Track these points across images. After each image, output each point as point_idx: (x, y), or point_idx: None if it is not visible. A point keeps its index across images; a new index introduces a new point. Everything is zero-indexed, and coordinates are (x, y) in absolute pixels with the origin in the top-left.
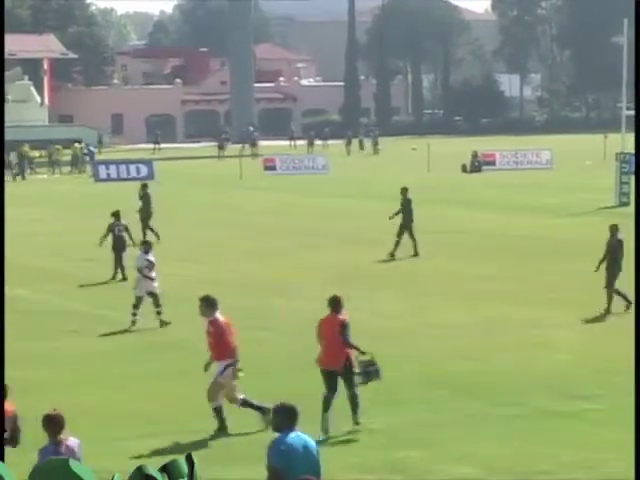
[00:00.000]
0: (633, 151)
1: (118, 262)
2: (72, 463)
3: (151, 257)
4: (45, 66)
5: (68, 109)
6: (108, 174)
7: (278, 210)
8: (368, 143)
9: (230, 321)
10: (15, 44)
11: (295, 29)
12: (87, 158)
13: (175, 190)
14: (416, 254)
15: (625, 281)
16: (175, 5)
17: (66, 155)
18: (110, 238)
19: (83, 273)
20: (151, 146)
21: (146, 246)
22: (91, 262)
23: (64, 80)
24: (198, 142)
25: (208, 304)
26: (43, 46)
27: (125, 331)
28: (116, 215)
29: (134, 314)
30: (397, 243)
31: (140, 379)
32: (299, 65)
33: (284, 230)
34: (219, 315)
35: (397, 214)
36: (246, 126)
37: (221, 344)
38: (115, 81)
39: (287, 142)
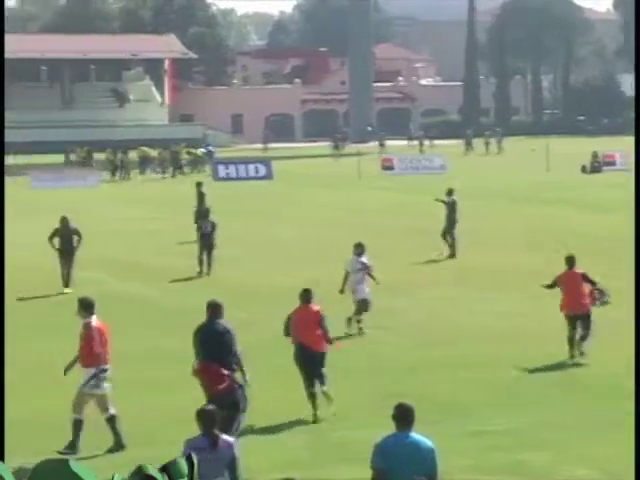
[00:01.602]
0: None
1: (206, 257)
2: (72, 463)
3: (364, 259)
4: (166, 66)
5: (188, 109)
6: (227, 173)
7: (395, 210)
8: (492, 143)
9: (105, 327)
10: (137, 45)
11: (416, 29)
12: (207, 158)
13: (293, 190)
14: (453, 255)
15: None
16: (295, 5)
17: (186, 155)
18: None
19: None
20: (271, 146)
21: (359, 248)
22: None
23: (185, 80)
24: (317, 142)
25: (83, 306)
26: (164, 46)
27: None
28: (206, 212)
29: (358, 321)
30: (447, 243)
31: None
32: (418, 65)
33: (401, 230)
34: (94, 319)
35: (451, 213)
36: (365, 126)
37: (88, 350)
38: (235, 81)
39: (405, 142)
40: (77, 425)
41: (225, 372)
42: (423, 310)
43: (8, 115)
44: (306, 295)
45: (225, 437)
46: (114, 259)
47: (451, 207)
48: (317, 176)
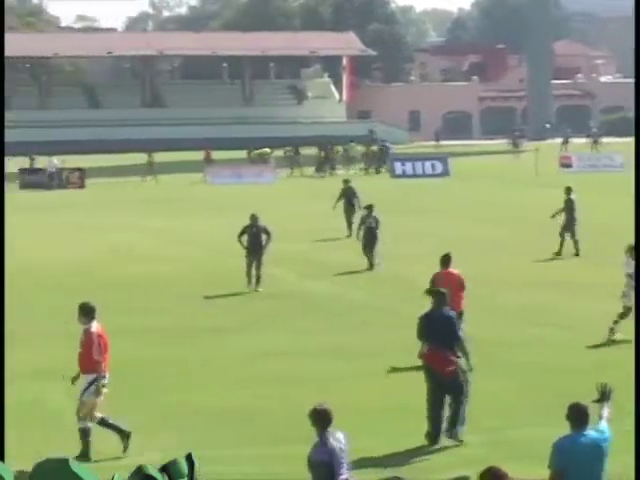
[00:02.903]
0: None
1: (368, 252)
2: (72, 463)
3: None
4: (344, 63)
5: (366, 106)
6: (404, 170)
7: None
8: None
9: (105, 333)
10: (316, 42)
11: (595, 25)
12: (383, 154)
13: (469, 187)
14: (577, 254)
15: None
16: (473, 2)
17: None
18: (362, 230)
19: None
20: (447, 143)
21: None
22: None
23: (363, 77)
24: (494, 139)
25: (83, 311)
26: (343, 44)
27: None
28: (369, 208)
29: (615, 322)
30: (562, 243)
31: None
32: (598, 61)
33: (585, 228)
34: (95, 325)
35: (560, 213)
36: (543, 123)
37: (86, 356)
38: (413, 78)
39: (584, 140)
40: (85, 433)
41: (452, 357)
42: (595, 309)
43: (191, 112)
44: (446, 260)
45: (337, 434)
46: (294, 255)
47: (570, 205)
48: (494, 173)
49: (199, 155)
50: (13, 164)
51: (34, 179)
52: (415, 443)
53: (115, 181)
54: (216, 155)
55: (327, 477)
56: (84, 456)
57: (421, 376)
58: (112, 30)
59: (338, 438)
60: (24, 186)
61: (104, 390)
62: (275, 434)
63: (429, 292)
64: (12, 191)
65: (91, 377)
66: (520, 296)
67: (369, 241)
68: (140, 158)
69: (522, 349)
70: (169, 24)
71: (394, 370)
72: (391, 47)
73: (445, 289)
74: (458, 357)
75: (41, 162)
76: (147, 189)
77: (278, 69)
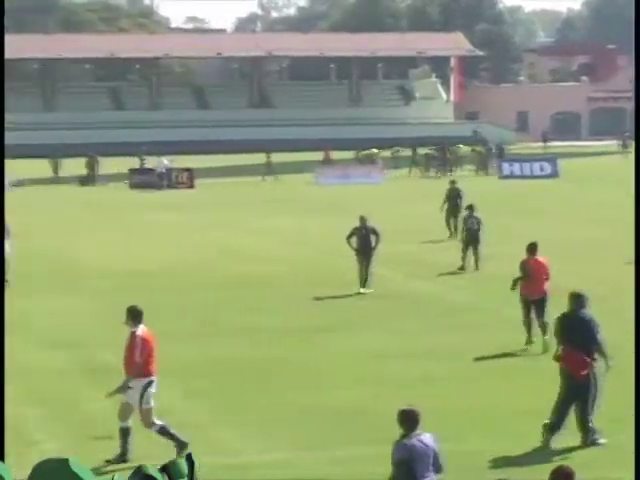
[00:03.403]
0: None
1: (471, 253)
2: (72, 463)
3: None
4: (452, 64)
5: (474, 106)
6: (511, 171)
7: None
8: None
9: (152, 337)
10: (424, 42)
11: None
12: (492, 155)
13: (577, 188)
14: None
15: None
16: (583, 2)
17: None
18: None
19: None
20: (555, 144)
21: None
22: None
23: (470, 77)
24: (602, 140)
25: (130, 315)
26: (452, 44)
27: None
28: (471, 208)
29: None
30: None
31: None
32: None
33: None
34: (141, 328)
35: None
36: None
37: (130, 360)
38: (521, 78)
39: None
40: (124, 433)
41: (587, 360)
42: None
43: (299, 112)
44: (532, 248)
45: (425, 437)
46: (402, 256)
47: None
48: (603, 174)
49: (308, 156)
50: (123, 164)
51: (144, 179)
52: (527, 445)
53: (224, 181)
54: (323, 156)
55: (408, 475)
56: (122, 456)
57: (527, 377)
58: (221, 31)
59: (423, 439)
60: (134, 186)
61: (152, 397)
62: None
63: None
64: (122, 190)
65: (143, 382)
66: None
67: (470, 242)
68: (248, 158)
69: None
70: (277, 25)
71: (499, 371)
72: (499, 47)
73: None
74: (594, 360)
75: (150, 162)
76: (257, 189)
77: (386, 70)
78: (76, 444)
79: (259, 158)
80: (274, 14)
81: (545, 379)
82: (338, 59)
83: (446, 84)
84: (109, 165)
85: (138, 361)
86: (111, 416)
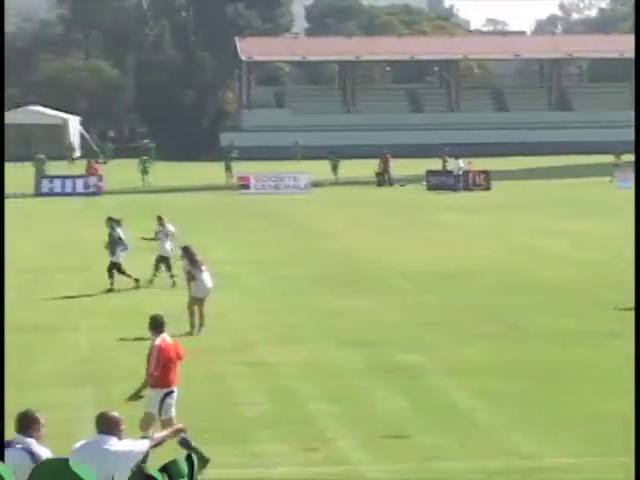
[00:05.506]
0: None
1: None
2: (72, 463)
3: None
4: None
5: None
6: None
7: None
8: None
9: (169, 347)
10: None
11: None
12: None
13: None
14: None
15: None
16: None
17: None
18: None
19: None
20: None
21: None
22: None
23: None
24: None
25: (151, 324)
26: None
27: None
28: None
29: None
30: None
31: None
32: None
33: None
34: (161, 338)
35: None
36: None
37: (149, 370)
38: None
39: None
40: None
41: None
42: None
43: (597, 115)
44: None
45: None
46: None
47: None
48: None
49: (607, 158)
50: (423, 165)
51: (441, 180)
52: None
53: (521, 183)
54: (611, 159)
55: None
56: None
57: None
58: (520, 33)
59: None
60: (431, 187)
61: (173, 409)
62: None
63: None
64: (419, 192)
65: (161, 393)
66: None
67: None
68: (545, 161)
69: None
70: (578, 26)
71: None
72: None
73: None
74: None
75: (450, 164)
76: (555, 192)
77: None
78: (367, 442)
79: (555, 160)
80: (575, 16)
81: None
82: None
83: None
84: (405, 166)
85: (151, 371)
86: (404, 415)
